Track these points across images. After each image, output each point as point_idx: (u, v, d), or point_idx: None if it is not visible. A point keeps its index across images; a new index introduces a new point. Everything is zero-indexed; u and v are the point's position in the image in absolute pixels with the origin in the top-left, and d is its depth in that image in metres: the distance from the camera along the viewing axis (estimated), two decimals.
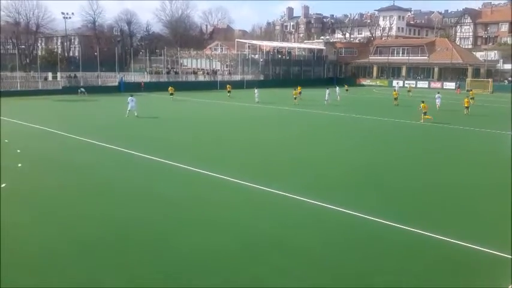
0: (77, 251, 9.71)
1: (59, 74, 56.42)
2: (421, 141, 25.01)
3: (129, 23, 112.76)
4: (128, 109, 31.86)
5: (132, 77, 64.17)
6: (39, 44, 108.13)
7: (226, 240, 10.41)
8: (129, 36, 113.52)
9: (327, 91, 45.14)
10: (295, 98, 44.66)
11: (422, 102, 32.59)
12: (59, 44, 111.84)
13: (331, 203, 12.84)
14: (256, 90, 45.66)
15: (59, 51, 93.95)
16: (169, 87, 49.81)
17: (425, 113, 31.69)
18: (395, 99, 44.65)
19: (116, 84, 58.34)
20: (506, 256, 9.55)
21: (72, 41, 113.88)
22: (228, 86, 54.35)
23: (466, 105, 37.24)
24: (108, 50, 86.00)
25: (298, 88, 49.79)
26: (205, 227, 11.23)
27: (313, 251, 9.92)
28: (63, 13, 78.50)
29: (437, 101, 40.59)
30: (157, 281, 8.46)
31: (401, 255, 9.81)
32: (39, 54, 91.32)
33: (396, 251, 9.99)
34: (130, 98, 32.46)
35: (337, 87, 51.90)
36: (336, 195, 14.01)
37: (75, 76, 57.69)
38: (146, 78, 63.90)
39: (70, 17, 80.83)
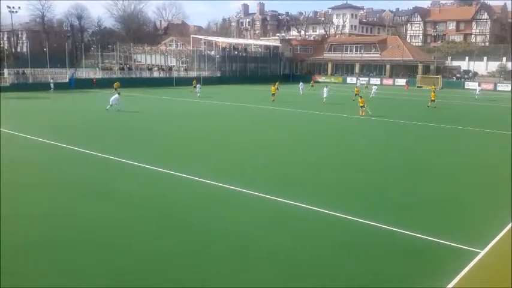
0: (33, 253, 9.26)
1: (6, 71, 54.06)
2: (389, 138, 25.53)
3: (79, 17, 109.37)
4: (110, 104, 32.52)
5: (84, 73, 62.20)
6: None
7: (183, 237, 10.20)
8: (79, 32, 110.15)
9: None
10: (273, 94, 43.83)
11: (361, 97, 35.67)
12: (5, 39, 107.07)
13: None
14: (197, 86, 49.12)
15: (6, 47, 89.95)
16: (116, 83, 48.51)
17: (362, 107, 33.99)
18: (356, 95, 45.22)
19: (67, 80, 56.51)
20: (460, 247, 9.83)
21: (20, 36, 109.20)
22: (194, 81, 55.44)
23: (432, 99, 40.42)
24: (58, 46, 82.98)
25: (276, 84, 48.58)
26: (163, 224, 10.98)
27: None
28: (8, 7, 74.63)
29: (373, 90, 50.30)
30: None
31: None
32: None
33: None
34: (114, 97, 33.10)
35: (301, 83, 55.12)
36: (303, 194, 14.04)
37: (24, 72, 55.40)
38: (98, 74, 62.11)
39: (17, 11, 77.02)
